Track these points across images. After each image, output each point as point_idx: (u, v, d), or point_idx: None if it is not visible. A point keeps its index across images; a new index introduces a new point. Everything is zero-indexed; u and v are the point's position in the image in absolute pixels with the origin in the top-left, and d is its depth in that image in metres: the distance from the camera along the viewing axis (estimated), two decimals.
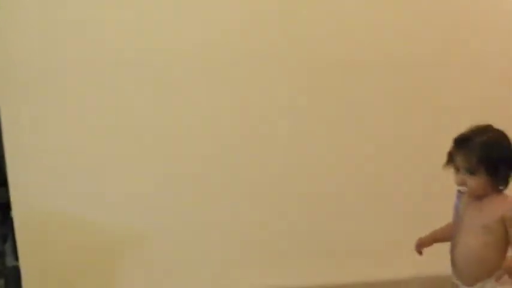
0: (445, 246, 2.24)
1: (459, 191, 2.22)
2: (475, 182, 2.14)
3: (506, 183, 2.19)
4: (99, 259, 2.89)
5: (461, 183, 2.18)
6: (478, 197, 2.19)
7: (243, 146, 2.92)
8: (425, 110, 3.05)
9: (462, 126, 2.16)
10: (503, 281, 2.17)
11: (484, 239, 2.16)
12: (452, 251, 2.26)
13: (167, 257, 2.94)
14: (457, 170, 2.17)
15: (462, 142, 2.18)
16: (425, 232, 2.33)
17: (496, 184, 2.17)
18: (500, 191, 2.19)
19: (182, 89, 2.84)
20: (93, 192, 2.77)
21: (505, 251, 2.20)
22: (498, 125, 2.15)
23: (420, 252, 2.34)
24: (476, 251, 2.18)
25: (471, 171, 2.13)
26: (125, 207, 2.86)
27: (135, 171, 2.85)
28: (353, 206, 3.06)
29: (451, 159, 2.20)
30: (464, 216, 2.24)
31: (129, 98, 2.81)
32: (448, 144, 2.16)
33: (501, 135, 2.19)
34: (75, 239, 2.82)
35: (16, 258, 2.91)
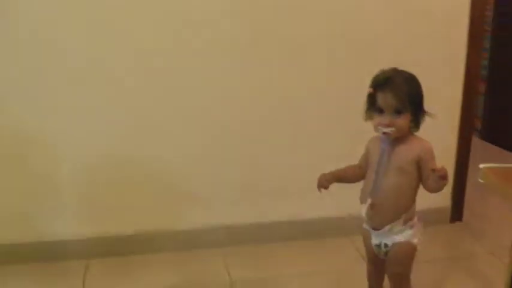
0: None
1: (385, 133, 2.11)
2: (403, 121, 2.10)
3: (418, 125, 2.17)
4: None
5: (390, 124, 2.10)
6: (395, 139, 2.14)
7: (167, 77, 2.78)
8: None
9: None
10: (413, 223, 2.19)
11: (398, 180, 2.15)
12: (365, 194, 2.22)
13: None
14: (380, 111, 2.11)
15: (386, 82, 2.10)
16: None
17: (416, 124, 2.15)
18: (413, 133, 2.18)
19: None
20: None
21: (415, 194, 2.20)
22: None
23: (326, 187, 2.23)
24: (390, 192, 2.15)
25: (399, 110, 2.09)
26: None
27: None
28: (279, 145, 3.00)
29: (372, 101, 2.13)
30: (383, 158, 2.17)
31: None
32: None
33: (413, 75, 2.15)
34: None
35: None
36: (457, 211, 3.27)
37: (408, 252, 2.23)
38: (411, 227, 2.20)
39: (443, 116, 3.04)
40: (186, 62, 2.77)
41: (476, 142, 3.98)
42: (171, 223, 2.94)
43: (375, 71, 2.12)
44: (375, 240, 2.25)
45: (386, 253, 2.24)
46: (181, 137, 2.85)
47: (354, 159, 2.28)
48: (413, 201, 2.21)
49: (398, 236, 2.20)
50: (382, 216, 2.19)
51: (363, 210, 2.22)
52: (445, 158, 3.10)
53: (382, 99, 2.10)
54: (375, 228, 2.23)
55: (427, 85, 2.94)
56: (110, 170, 2.81)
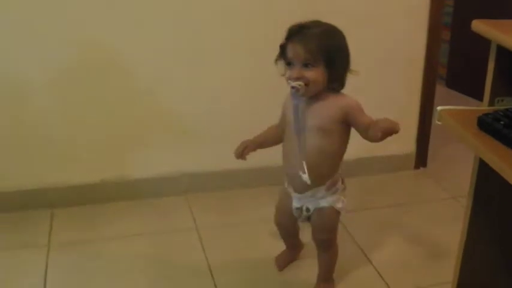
0: None
1: (294, 88, 1.94)
2: (314, 75, 1.93)
3: (342, 83, 2.03)
4: None
5: (298, 77, 1.93)
6: (314, 96, 2.00)
7: None
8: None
9: None
10: (336, 189, 2.13)
11: (319, 142, 2.03)
12: (287, 155, 2.13)
13: None
14: (291, 64, 1.96)
15: (299, 31, 1.95)
16: None
17: (333, 79, 1.98)
18: (336, 91, 2.03)
19: None
20: None
21: (340, 158, 2.13)
22: None
23: (244, 158, 2.20)
24: (311, 156, 2.04)
25: (308, 62, 1.93)
26: None
27: None
28: None
29: (283, 52, 1.98)
30: (300, 117, 2.02)
31: None
32: None
33: (335, 28, 2.00)
34: None
35: None
36: (421, 157, 3.32)
37: (332, 218, 2.17)
38: (335, 191, 2.13)
39: (408, 64, 3.08)
40: None
41: (442, 90, 4.03)
42: (134, 171, 2.94)
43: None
44: (296, 203, 2.18)
45: (308, 217, 2.19)
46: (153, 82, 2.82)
47: None
48: (338, 165, 2.12)
49: (322, 201, 2.13)
50: (314, 177, 2.07)
51: (287, 170, 2.14)
52: (410, 106, 3.16)
53: (291, 49, 1.95)
54: (296, 191, 2.15)
55: (391, 34, 3.00)
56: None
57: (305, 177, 2.03)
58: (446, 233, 2.56)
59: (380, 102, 3.05)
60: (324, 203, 2.13)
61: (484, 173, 1.78)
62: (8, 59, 2.60)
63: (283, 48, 1.97)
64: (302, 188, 2.11)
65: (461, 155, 2.65)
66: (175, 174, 2.97)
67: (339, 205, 2.14)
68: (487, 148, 1.53)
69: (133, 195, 2.92)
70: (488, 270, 2.00)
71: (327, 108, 2.00)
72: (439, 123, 1.75)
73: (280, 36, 1.97)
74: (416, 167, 3.33)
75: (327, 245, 2.23)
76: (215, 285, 2.32)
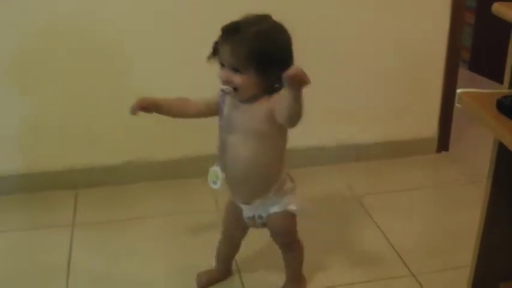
0: None
1: (222, 91, 1.84)
2: (242, 81, 1.79)
3: (276, 88, 1.83)
4: None
5: (226, 81, 1.81)
6: (247, 99, 1.86)
7: None
8: None
9: None
10: (285, 191, 1.98)
11: (254, 148, 1.88)
12: (223, 161, 1.97)
13: None
14: (222, 65, 1.83)
15: (231, 32, 1.80)
16: None
17: (268, 85, 1.82)
18: (276, 91, 1.84)
19: None
20: None
21: (280, 159, 1.97)
22: None
23: (134, 113, 1.91)
24: (247, 165, 1.91)
25: (236, 68, 1.79)
26: None
27: None
28: None
29: (216, 51, 1.84)
30: (232, 120, 1.90)
31: None
32: None
33: (278, 27, 1.83)
34: None
35: None
36: (443, 141, 3.30)
37: (287, 222, 2.05)
38: (284, 194, 1.99)
39: (430, 47, 3.06)
40: None
41: (464, 73, 3.99)
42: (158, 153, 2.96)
43: None
44: (247, 213, 2.05)
45: (263, 224, 2.06)
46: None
47: None
48: (282, 166, 1.98)
49: (273, 206, 2.00)
50: (246, 191, 1.98)
51: (227, 182, 1.99)
52: (432, 89, 3.15)
53: (221, 51, 1.81)
54: (243, 203, 2.03)
55: (414, 17, 2.98)
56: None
57: (215, 186, 1.98)
58: (466, 216, 2.56)
59: (402, 86, 3.07)
60: (276, 208, 2.00)
61: (504, 156, 1.78)
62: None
63: (217, 46, 1.84)
64: (247, 199, 2.00)
65: (484, 139, 2.63)
66: (197, 156, 2.97)
67: (291, 207, 2.01)
68: (505, 130, 1.52)
69: (156, 176, 2.95)
70: (507, 254, 2.00)
71: (254, 108, 1.86)
72: (459, 105, 1.75)
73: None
74: (439, 150, 3.31)
75: (288, 247, 2.13)
76: (237, 265, 2.35)
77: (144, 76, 2.76)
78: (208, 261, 2.30)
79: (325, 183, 2.97)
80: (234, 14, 1.81)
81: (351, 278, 2.30)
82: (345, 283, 2.29)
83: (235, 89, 1.81)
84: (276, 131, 1.89)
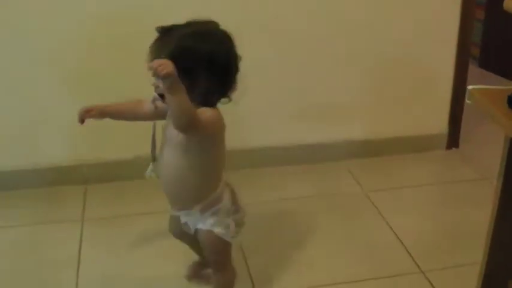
0: None
1: (154, 99, 1.77)
2: (160, 86, 1.62)
3: (210, 99, 1.72)
4: None
5: (156, 87, 1.69)
6: None
7: None
8: None
9: None
10: (214, 212, 1.86)
11: (180, 159, 1.80)
12: (159, 166, 1.90)
13: None
14: None
15: (160, 34, 1.71)
16: None
17: (197, 94, 1.68)
18: (209, 105, 1.72)
19: None
20: None
21: (208, 177, 1.85)
22: None
23: (82, 121, 1.86)
24: (176, 171, 1.82)
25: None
26: None
27: None
28: None
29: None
30: (166, 130, 1.82)
31: None
32: None
33: (211, 34, 1.71)
34: None
35: None
36: (453, 138, 3.30)
37: (212, 243, 1.92)
38: (213, 214, 1.87)
39: (440, 43, 3.06)
40: None
41: (474, 70, 3.98)
42: None
43: None
44: (182, 219, 1.94)
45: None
46: None
47: None
48: (211, 186, 1.85)
49: (199, 222, 1.89)
50: (173, 199, 1.91)
51: None
52: (442, 86, 3.14)
53: (150, 54, 1.68)
54: (172, 208, 1.95)
55: (424, 13, 2.97)
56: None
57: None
58: (476, 214, 2.55)
59: (412, 82, 3.06)
60: (201, 224, 1.89)
61: None
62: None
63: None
64: (175, 207, 1.93)
65: (494, 136, 2.61)
66: None
67: (218, 230, 1.88)
68: None
69: None
70: None
71: None
72: (469, 102, 1.74)
73: None
74: (449, 147, 3.31)
75: (216, 266, 2.05)
76: (245, 260, 2.37)
77: None
78: None
79: (334, 179, 2.98)
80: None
81: (359, 274, 2.30)
82: (353, 280, 2.28)
83: (162, 96, 1.67)
84: (198, 147, 1.78)
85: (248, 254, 2.39)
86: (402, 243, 2.46)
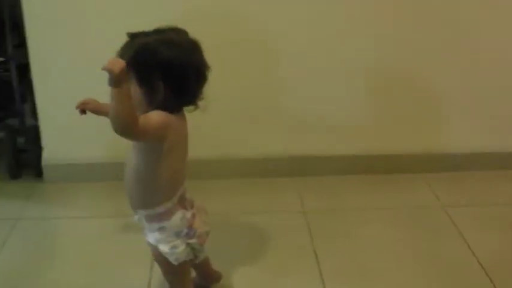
0: None
1: None
2: (133, 91, 1.66)
3: (167, 105, 1.73)
4: None
5: None
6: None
7: None
8: None
9: None
10: (162, 227, 1.84)
11: (136, 158, 1.81)
12: None
13: None
14: None
15: (129, 39, 1.75)
16: None
17: (153, 101, 1.72)
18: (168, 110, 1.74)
19: None
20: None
21: (155, 183, 1.81)
22: None
23: (82, 111, 1.95)
24: (130, 170, 1.84)
25: None
26: None
27: None
28: None
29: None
30: None
31: None
32: None
33: (180, 43, 1.72)
34: None
35: (35, 118, 2.93)
36: None
37: (160, 260, 1.93)
38: (159, 229, 1.86)
39: None
40: None
41: None
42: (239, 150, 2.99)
43: None
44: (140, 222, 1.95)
45: None
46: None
47: None
48: (157, 199, 1.83)
49: (148, 233, 1.90)
50: (127, 197, 1.90)
51: None
52: None
53: None
54: (131, 207, 1.92)
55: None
56: None
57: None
58: None
59: (493, 94, 3.00)
60: (150, 237, 1.90)
61: None
62: None
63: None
64: (129, 205, 1.91)
65: None
66: (287, 156, 3.00)
67: (162, 248, 1.86)
68: None
69: (244, 173, 2.98)
70: None
71: None
72: None
73: None
74: None
75: (166, 279, 2.04)
76: (319, 267, 2.36)
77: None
78: (295, 263, 2.34)
79: (413, 192, 2.94)
80: None
81: None
82: None
83: None
84: (143, 152, 1.80)
85: (321, 258, 2.40)
86: (480, 262, 2.40)
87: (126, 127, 1.62)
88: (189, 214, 1.88)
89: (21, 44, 2.81)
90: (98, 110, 1.96)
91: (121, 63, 1.54)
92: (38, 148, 2.94)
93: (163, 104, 1.72)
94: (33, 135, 2.96)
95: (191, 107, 1.81)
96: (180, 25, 1.79)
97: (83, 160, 2.93)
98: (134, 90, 1.67)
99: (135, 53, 1.68)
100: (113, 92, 1.57)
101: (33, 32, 2.68)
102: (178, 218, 1.85)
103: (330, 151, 3.00)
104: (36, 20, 2.67)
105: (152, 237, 1.88)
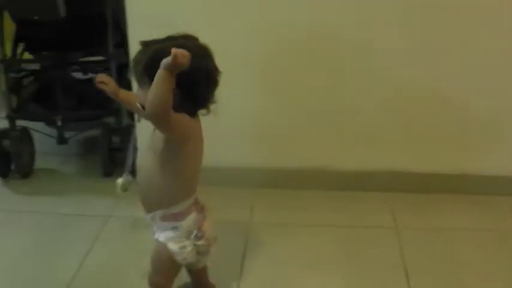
0: None
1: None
2: (142, 96, 1.76)
3: (179, 110, 1.77)
4: None
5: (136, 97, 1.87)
6: None
7: None
8: None
9: None
10: (176, 227, 1.90)
11: (153, 160, 1.88)
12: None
13: None
14: None
15: (141, 47, 1.83)
16: None
17: (179, 102, 1.75)
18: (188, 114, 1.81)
19: None
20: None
21: (173, 184, 1.88)
22: None
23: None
24: (146, 172, 1.93)
25: (139, 83, 1.80)
26: None
27: None
28: None
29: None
30: (153, 136, 1.89)
31: None
32: None
33: (191, 49, 1.67)
34: None
35: (131, 118, 3.00)
36: None
37: (160, 256, 1.96)
38: (173, 229, 1.91)
39: None
40: None
41: None
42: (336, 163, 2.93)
43: None
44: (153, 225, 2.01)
45: None
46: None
47: None
48: (173, 199, 1.90)
49: (159, 232, 1.95)
50: (142, 200, 1.96)
51: None
52: None
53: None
54: (145, 210, 1.98)
55: None
56: None
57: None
58: None
59: None
60: (160, 236, 1.94)
61: None
62: None
63: None
64: (143, 207, 1.97)
65: None
66: (377, 171, 2.93)
67: (172, 246, 1.91)
68: None
69: (335, 186, 2.92)
70: None
71: (158, 134, 1.83)
72: None
73: None
74: None
75: (149, 283, 2.05)
76: (408, 284, 2.30)
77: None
78: (383, 276, 2.29)
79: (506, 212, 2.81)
80: None
81: None
82: None
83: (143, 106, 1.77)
84: (165, 154, 1.85)
85: (412, 275, 2.33)
86: None
87: (163, 110, 1.67)
88: (200, 217, 1.95)
89: (120, 43, 2.86)
90: (116, 95, 2.10)
91: (184, 57, 1.60)
92: (132, 148, 2.98)
93: (180, 108, 1.76)
94: (129, 135, 3.01)
95: (203, 111, 1.86)
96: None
97: None
98: (143, 94, 1.74)
99: (149, 59, 1.73)
100: (164, 74, 1.61)
101: (134, 32, 2.69)
102: (191, 219, 1.92)
103: (427, 168, 2.91)
104: (139, 20, 2.68)
105: (163, 235, 1.93)
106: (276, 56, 2.72)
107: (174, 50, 1.57)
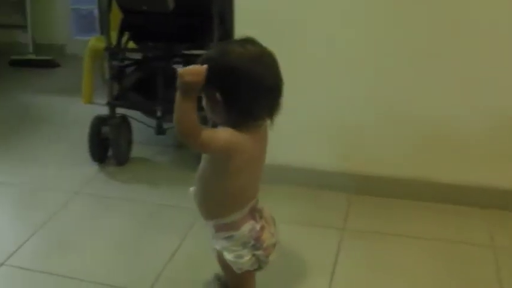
0: None
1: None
2: (204, 102, 1.76)
3: (232, 122, 1.73)
4: None
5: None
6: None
7: None
8: None
9: None
10: (229, 237, 1.85)
11: (205, 169, 1.86)
12: None
13: None
14: None
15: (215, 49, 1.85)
16: None
17: (228, 115, 1.73)
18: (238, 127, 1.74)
19: None
20: None
21: (222, 195, 1.84)
22: None
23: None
24: (200, 180, 1.89)
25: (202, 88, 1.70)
26: None
27: None
28: None
29: None
30: None
31: None
32: None
33: (240, 54, 1.68)
34: None
35: None
36: None
37: (225, 262, 1.91)
38: (226, 238, 1.86)
39: None
40: None
41: None
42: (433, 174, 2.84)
43: None
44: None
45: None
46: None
47: None
48: (223, 211, 1.85)
49: (215, 240, 1.91)
50: (197, 206, 1.94)
51: None
52: None
53: None
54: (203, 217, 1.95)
55: None
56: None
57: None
58: None
59: None
60: (216, 244, 1.91)
61: None
62: None
63: None
64: (203, 215, 1.94)
65: None
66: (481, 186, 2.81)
67: (227, 255, 1.87)
68: None
69: (431, 197, 2.84)
70: None
71: None
72: None
73: None
74: None
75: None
76: None
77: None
78: None
79: None
80: None
81: None
82: None
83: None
84: (212, 165, 1.84)
85: None
86: None
87: (185, 135, 1.70)
88: (258, 226, 1.88)
89: (224, 38, 2.86)
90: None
91: (193, 74, 1.61)
92: None
93: (228, 121, 1.75)
94: None
95: (263, 121, 1.80)
96: None
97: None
98: (206, 101, 1.75)
99: (215, 66, 1.69)
100: (178, 95, 1.63)
101: (241, 26, 2.68)
102: (247, 229, 1.86)
103: None
104: (245, 16, 2.68)
105: (219, 244, 1.90)
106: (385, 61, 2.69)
107: (179, 70, 1.59)
